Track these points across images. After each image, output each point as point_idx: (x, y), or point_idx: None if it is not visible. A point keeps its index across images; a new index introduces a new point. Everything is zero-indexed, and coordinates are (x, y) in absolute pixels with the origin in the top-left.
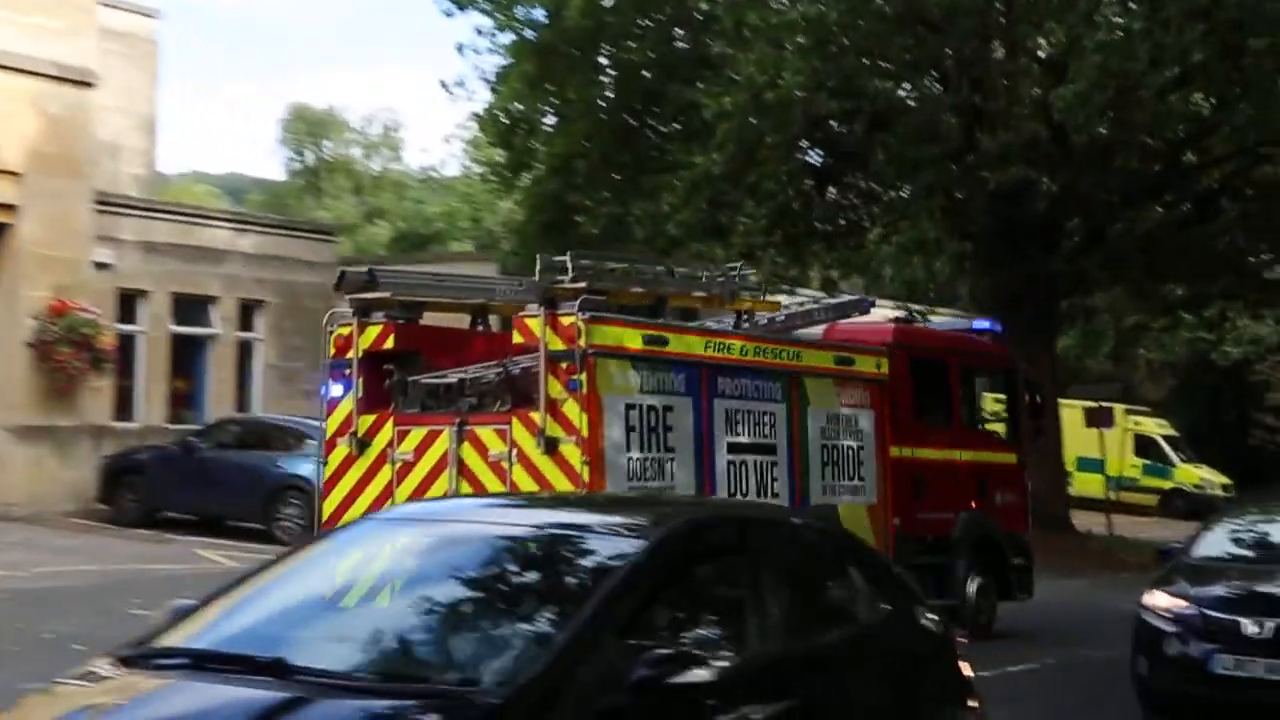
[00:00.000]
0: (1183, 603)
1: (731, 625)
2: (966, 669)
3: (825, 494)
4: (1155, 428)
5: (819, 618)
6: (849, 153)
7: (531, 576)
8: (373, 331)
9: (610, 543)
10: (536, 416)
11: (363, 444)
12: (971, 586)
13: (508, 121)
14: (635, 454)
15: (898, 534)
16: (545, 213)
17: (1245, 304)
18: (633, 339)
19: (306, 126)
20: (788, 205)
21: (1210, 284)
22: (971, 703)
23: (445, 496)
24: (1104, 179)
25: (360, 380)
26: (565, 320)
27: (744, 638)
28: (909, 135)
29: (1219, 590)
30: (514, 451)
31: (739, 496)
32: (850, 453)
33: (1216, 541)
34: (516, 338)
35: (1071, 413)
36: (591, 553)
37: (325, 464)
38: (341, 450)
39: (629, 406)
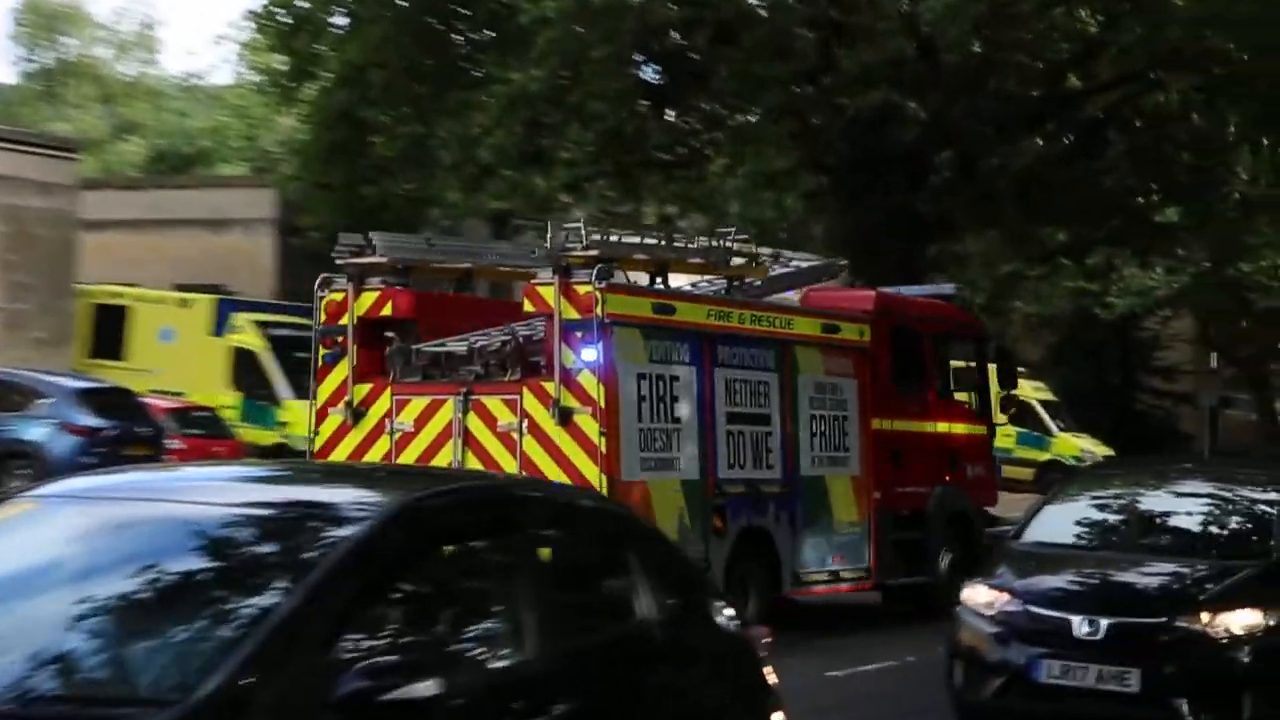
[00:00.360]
0: (1005, 597)
1: (476, 626)
2: (770, 675)
3: (814, 465)
4: (1031, 392)
5: (586, 614)
6: (690, 70)
7: (220, 568)
8: (369, 297)
9: (328, 526)
10: (550, 386)
11: (358, 414)
12: (944, 562)
13: (289, 21)
14: (645, 424)
15: (878, 507)
16: (333, 131)
17: (1134, 251)
18: (643, 307)
19: (43, 21)
20: (618, 130)
21: (1095, 228)
22: (776, 716)
23: (450, 467)
24: (977, 105)
25: (355, 347)
26: (582, 289)
27: (491, 640)
28: (757, 50)
29: (1050, 582)
30: (525, 422)
31: (737, 468)
32: (836, 423)
33: (1055, 521)
34: (527, 306)
35: None
36: (301, 537)
37: (317, 434)
38: (334, 419)
39: (640, 376)
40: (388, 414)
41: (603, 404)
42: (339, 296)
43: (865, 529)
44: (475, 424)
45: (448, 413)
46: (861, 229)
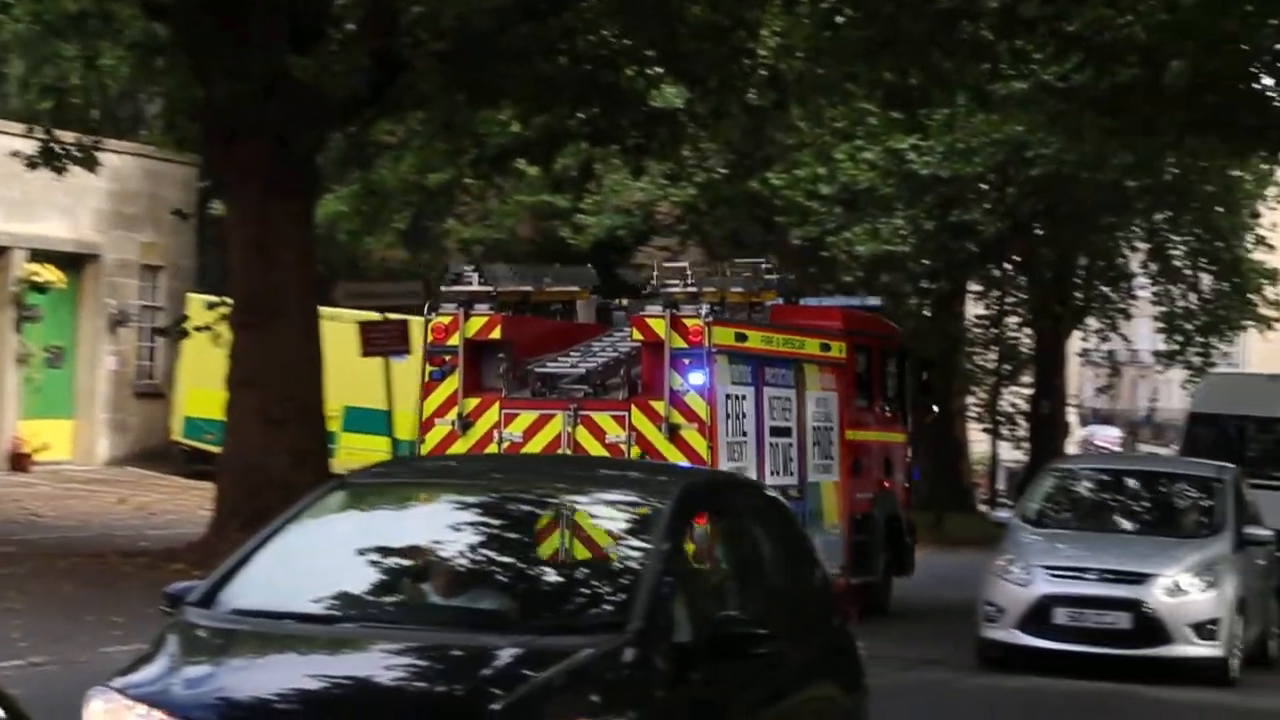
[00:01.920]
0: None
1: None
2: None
3: (814, 472)
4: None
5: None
6: None
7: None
8: (478, 321)
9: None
10: (659, 406)
11: (466, 424)
12: (881, 564)
13: None
14: (729, 438)
15: (848, 512)
16: None
17: (620, 149)
18: (730, 337)
19: None
20: None
21: (563, 115)
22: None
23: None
24: None
25: (462, 365)
26: (690, 322)
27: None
28: None
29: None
30: (632, 435)
31: (774, 475)
32: (826, 433)
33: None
34: (635, 334)
35: (339, 331)
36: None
37: (424, 442)
38: (441, 430)
39: (728, 397)
40: (496, 425)
41: (708, 421)
42: (446, 320)
43: (841, 531)
44: (584, 436)
45: (556, 426)
46: (223, 104)
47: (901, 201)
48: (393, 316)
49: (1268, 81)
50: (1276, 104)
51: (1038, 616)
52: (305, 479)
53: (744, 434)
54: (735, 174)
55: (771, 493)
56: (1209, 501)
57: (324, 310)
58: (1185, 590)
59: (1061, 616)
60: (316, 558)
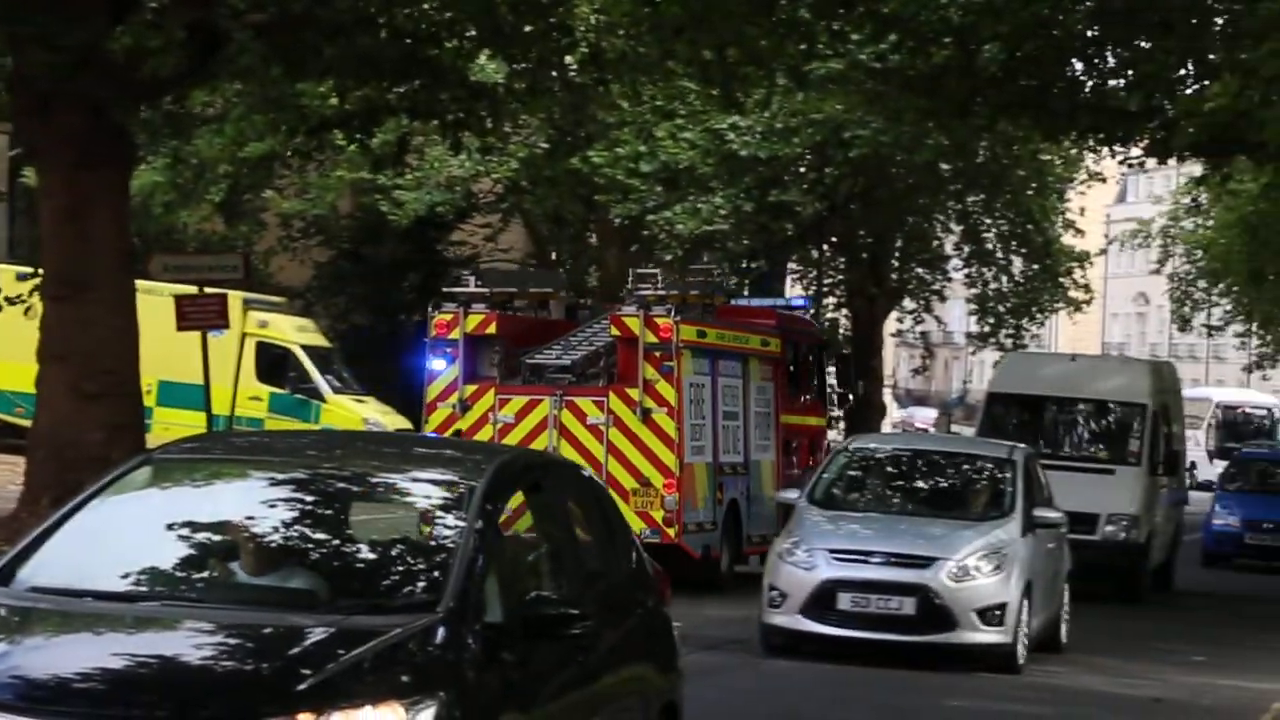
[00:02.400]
0: None
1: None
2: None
3: (757, 451)
4: (295, 334)
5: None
6: None
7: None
8: (475, 318)
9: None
10: (634, 392)
11: (465, 407)
12: None
13: None
14: (692, 421)
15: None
16: None
17: (441, 124)
18: (692, 334)
19: None
20: None
21: (384, 89)
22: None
23: (546, 451)
24: None
25: (461, 356)
26: (662, 321)
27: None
28: None
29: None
30: (610, 418)
31: (726, 454)
32: (764, 418)
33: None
34: (613, 330)
35: (154, 305)
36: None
37: (427, 421)
38: (443, 411)
39: (690, 385)
40: (491, 409)
41: (676, 406)
42: (448, 316)
43: (774, 504)
44: (568, 418)
45: (544, 409)
46: (35, 74)
47: (721, 181)
48: (210, 291)
49: (1079, 66)
50: (1086, 88)
51: (821, 601)
52: (119, 454)
53: (703, 418)
54: (556, 151)
55: (587, 473)
56: (999, 483)
57: (140, 283)
58: (971, 574)
59: (845, 601)
60: (121, 534)
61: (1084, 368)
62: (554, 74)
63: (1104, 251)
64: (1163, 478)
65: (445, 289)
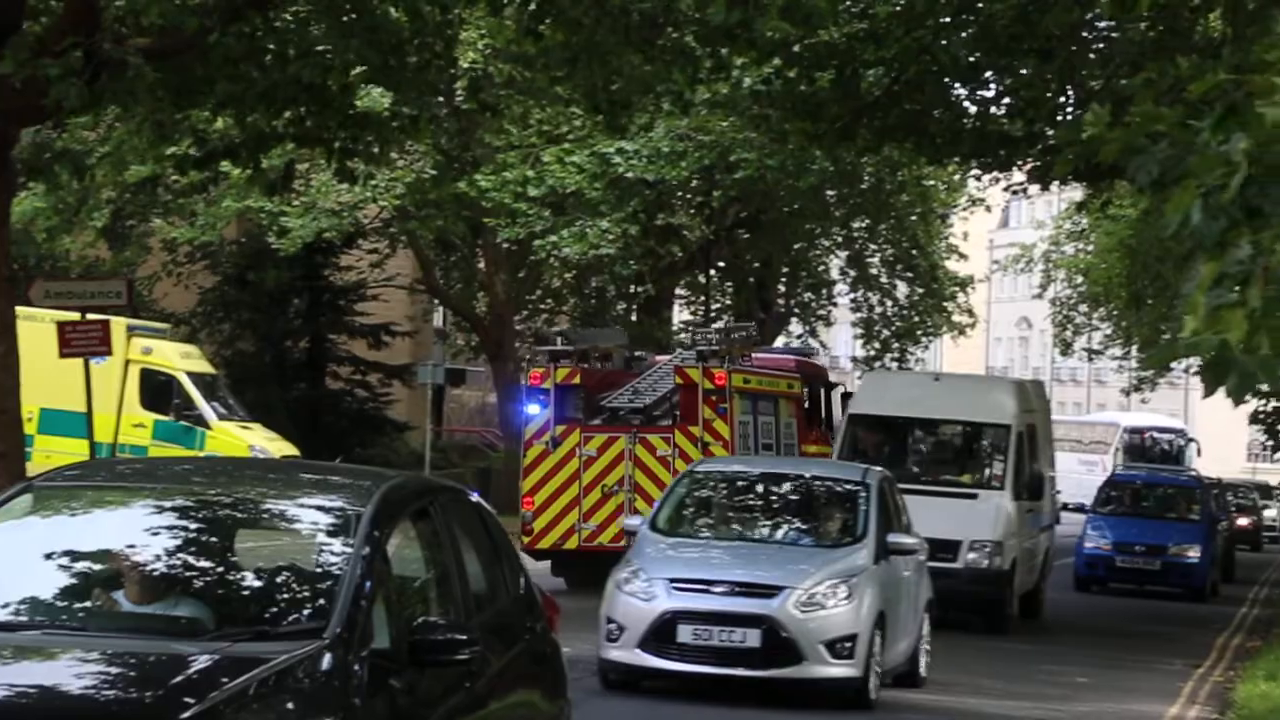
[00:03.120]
0: None
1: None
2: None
3: None
4: (179, 360)
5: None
6: None
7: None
8: (563, 371)
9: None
10: (695, 430)
11: (556, 443)
12: None
13: None
14: (741, 453)
15: None
16: None
17: (329, 151)
18: (739, 380)
19: None
20: None
21: (272, 116)
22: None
23: (621, 480)
24: None
25: (552, 402)
26: (717, 371)
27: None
28: None
29: None
30: (676, 451)
31: None
32: (791, 449)
33: None
34: (677, 379)
35: (36, 331)
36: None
37: (525, 455)
38: (538, 448)
39: (739, 422)
40: (577, 444)
41: (730, 440)
42: (540, 370)
43: None
44: (641, 451)
45: (621, 445)
46: None
47: (608, 204)
48: (93, 317)
49: (961, 91)
50: (969, 114)
51: (661, 634)
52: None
53: (749, 450)
54: (442, 175)
55: (475, 497)
56: (851, 507)
57: (20, 310)
58: (820, 604)
59: (686, 634)
60: (1, 563)
61: (946, 387)
62: (440, 100)
63: (988, 277)
64: (1028, 501)
65: (535, 346)
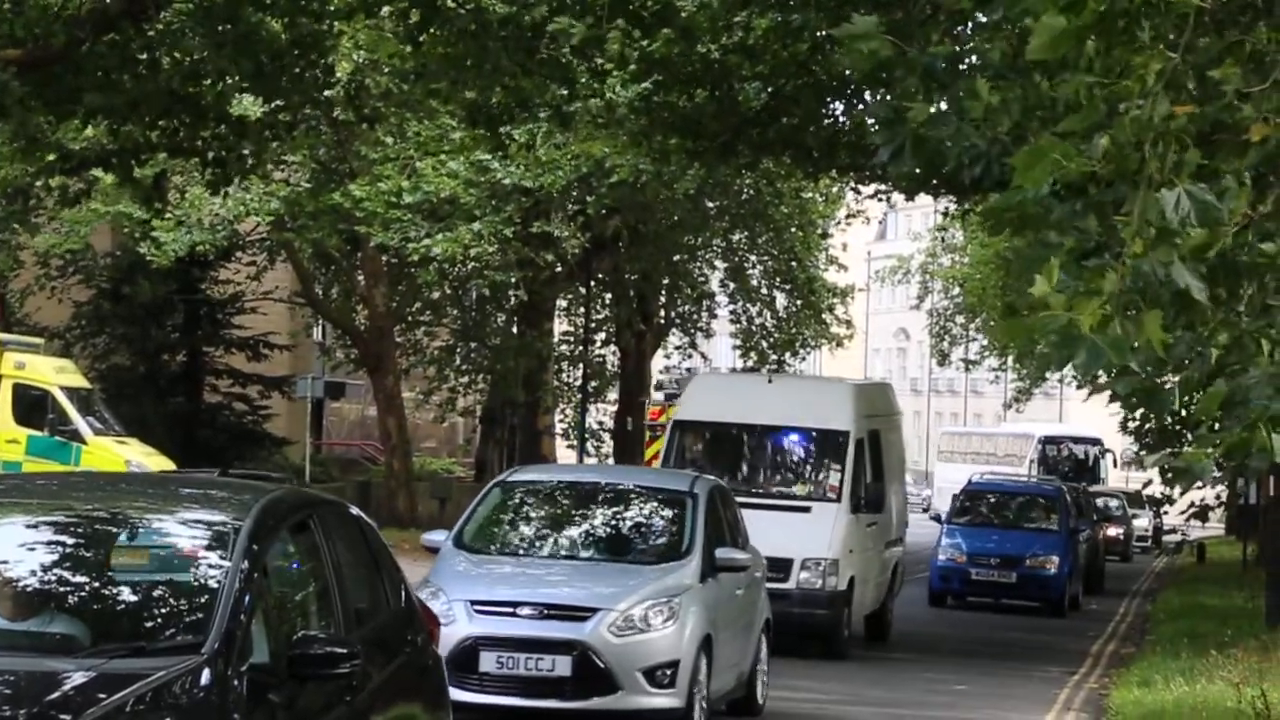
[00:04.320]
0: None
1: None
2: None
3: None
4: (53, 375)
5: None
6: None
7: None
8: (672, 409)
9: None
10: None
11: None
12: None
13: None
14: None
15: None
16: None
17: (204, 163)
18: None
19: None
20: None
21: (147, 125)
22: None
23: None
24: None
25: (666, 434)
26: None
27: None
28: None
29: None
30: None
31: None
32: None
33: None
34: None
35: None
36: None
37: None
38: (657, 466)
39: None
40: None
41: None
42: (658, 408)
43: None
44: None
45: None
46: None
47: (484, 210)
48: None
49: (838, 106)
50: (846, 127)
51: (462, 662)
52: None
53: None
54: (319, 188)
55: (355, 511)
56: (677, 520)
57: None
58: (637, 627)
59: (490, 662)
60: None
61: (781, 391)
62: (318, 111)
63: (866, 288)
64: (869, 514)
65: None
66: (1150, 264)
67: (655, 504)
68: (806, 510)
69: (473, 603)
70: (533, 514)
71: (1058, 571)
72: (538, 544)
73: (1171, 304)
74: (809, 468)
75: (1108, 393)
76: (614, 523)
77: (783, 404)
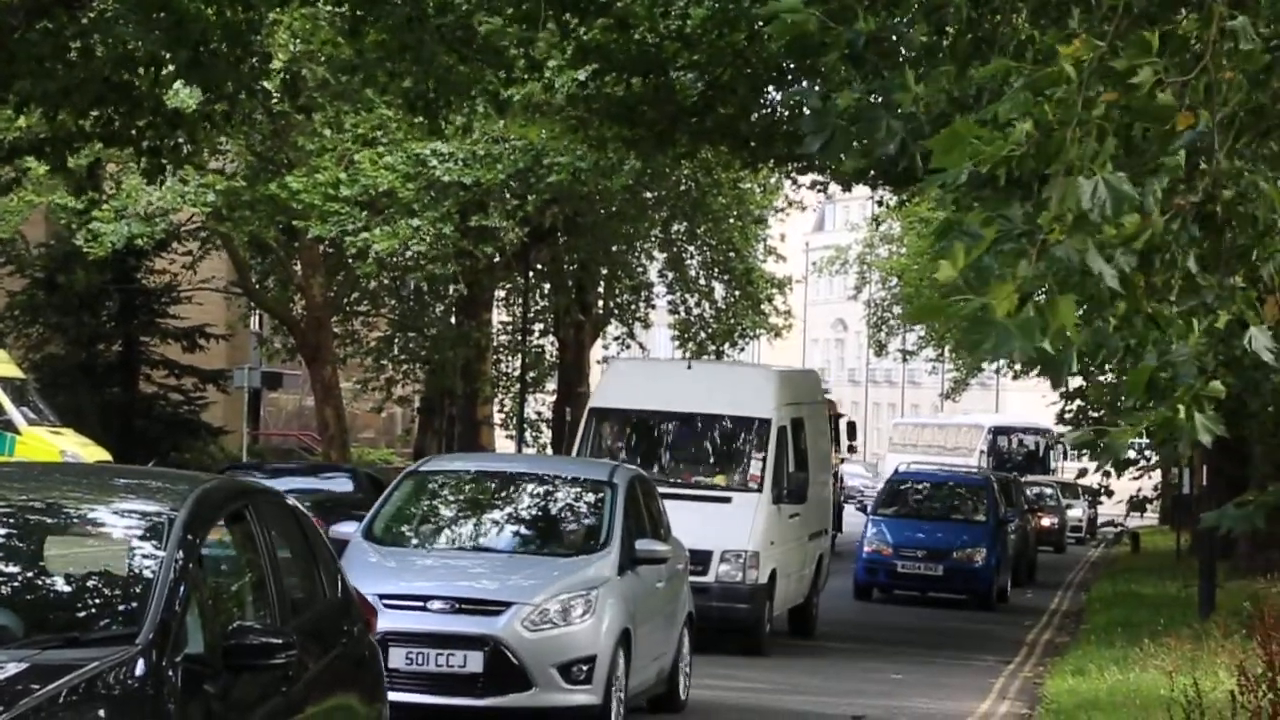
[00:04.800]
0: None
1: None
2: None
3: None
4: None
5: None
6: None
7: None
8: None
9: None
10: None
11: None
12: None
13: None
14: None
15: None
16: None
17: (138, 153)
18: None
19: None
20: None
21: (80, 113)
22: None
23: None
24: None
25: None
26: None
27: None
28: None
29: None
30: None
31: None
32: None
33: None
34: None
35: None
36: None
37: None
38: None
39: None
40: None
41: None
42: None
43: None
44: None
45: None
46: None
47: (422, 205)
48: None
49: (775, 96)
50: (784, 116)
51: None
52: None
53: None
54: (255, 179)
55: (291, 501)
56: (596, 511)
57: None
58: (551, 622)
59: (399, 658)
60: None
61: (700, 377)
62: (255, 101)
63: (804, 279)
64: (791, 505)
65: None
66: (1065, 250)
67: (573, 494)
68: (726, 501)
69: (381, 596)
70: (446, 505)
71: (985, 564)
72: (450, 536)
73: (1085, 289)
74: (729, 457)
75: (1047, 384)
76: (530, 514)
77: (702, 391)
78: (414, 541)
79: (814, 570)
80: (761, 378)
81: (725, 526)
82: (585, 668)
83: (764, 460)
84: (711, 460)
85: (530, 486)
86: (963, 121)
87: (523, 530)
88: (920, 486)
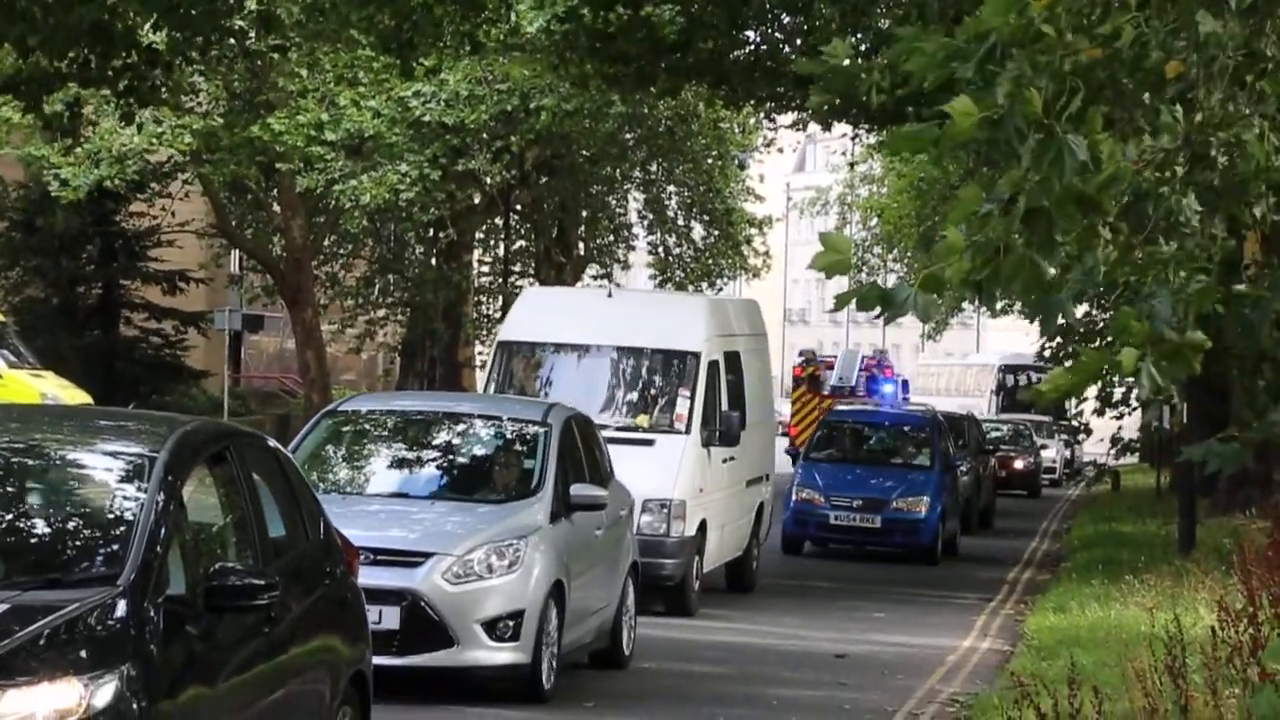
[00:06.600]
0: None
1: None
2: None
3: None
4: None
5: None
6: None
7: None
8: (810, 368)
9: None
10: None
11: (804, 403)
12: None
13: None
14: None
15: None
16: None
17: (114, 93)
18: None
19: None
20: None
21: (54, 55)
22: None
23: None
24: None
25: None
26: (796, 365)
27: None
28: None
29: None
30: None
31: None
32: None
33: None
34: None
35: None
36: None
37: (792, 406)
38: (797, 404)
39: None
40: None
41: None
42: (798, 365)
43: None
44: (828, 404)
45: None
46: None
47: (407, 149)
48: None
49: (753, 35)
50: (764, 55)
51: None
52: None
53: None
54: (234, 120)
55: (272, 443)
56: (528, 454)
57: None
58: (475, 574)
59: None
60: None
61: (622, 306)
62: (230, 40)
63: (784, 219)
64: (724, 448)
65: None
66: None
67: (503, 436)
68: (649, 444)
69: None
70: (364, 447)
71: (928, 514)
72: (368, 481)
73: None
74: (653, 395)
75: (1026, 322)
76: (455, 457)
77: (623, 322)
78: (328, 487)
79: (753, 520)
80: (690, 307)
81: (647, 473)
82: (512, 623)
83: (691, 398)
84: (633, 399)
85: (457, 428)
86: (929, 36)
87: (447, 475)
88: (857, 427)
